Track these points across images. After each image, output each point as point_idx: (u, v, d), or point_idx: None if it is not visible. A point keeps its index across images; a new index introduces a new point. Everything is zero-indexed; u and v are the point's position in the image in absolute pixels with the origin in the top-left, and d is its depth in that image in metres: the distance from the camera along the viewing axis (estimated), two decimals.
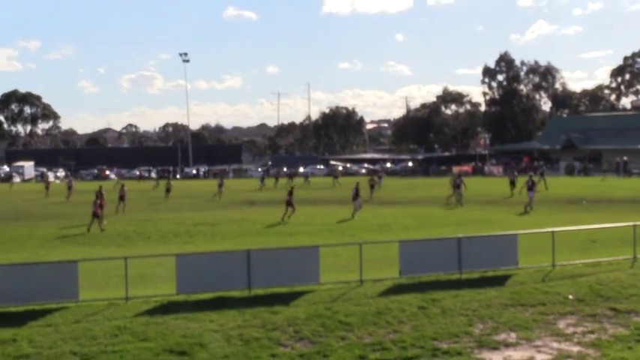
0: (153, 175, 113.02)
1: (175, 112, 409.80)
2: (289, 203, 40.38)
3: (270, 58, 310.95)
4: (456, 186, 47.83)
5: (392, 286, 20.32)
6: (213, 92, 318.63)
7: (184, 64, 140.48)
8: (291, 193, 41.29)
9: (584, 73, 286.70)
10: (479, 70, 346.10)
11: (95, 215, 37.54)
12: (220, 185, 60.83)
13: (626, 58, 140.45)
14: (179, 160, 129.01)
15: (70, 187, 65.64)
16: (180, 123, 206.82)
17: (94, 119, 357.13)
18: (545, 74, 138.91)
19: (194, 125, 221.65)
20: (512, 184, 51.37)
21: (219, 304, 18.71)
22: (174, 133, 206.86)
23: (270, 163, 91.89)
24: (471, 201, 48.87)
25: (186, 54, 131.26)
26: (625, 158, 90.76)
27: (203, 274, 19.64)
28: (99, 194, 40.59)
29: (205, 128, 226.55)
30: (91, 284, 20.41)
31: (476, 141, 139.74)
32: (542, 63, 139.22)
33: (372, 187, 56.20)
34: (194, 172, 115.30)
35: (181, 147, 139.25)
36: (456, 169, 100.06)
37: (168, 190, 59.43)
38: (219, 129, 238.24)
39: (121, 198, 47.53)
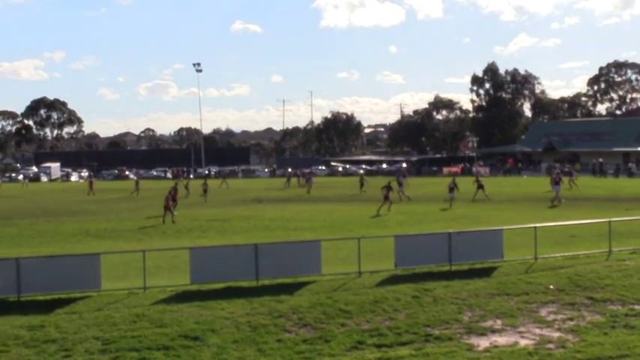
0: (169, 175, 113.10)
1: (189, 117, 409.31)
2: (387, 197, 41.37)
3: (275, 68, 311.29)
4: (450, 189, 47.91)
5: (388, 277, 20.30)
6: (223, 99, 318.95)
7: (197, 74, 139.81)
8: (389, 188, 42.06)
9: (562, 82, 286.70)
10: (466, 79, 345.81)
11: (167, 208, 38.46)
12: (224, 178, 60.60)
13: (601, 68, 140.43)
14: (192, 161, 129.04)
15: (91, 185, 66.75)
16: (193, 127, 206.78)
17: (114, 124, 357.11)
18: (527, 83, 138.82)
19: (206, 129, 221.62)
20: (481, 186, 50.86)
21: (229, 293, 18.71)
22: (187, 136, 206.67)
23: (289, 168, 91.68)
24: (460, 199, 48.77)
25: (199, 64, 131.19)
26: (600, 160, 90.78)
27: (215, 266, 19.66)
28: (173, 189, 42.23)
29: (216, 132, 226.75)
30: (112, 275, 20.39)
31: (465, 143, 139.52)
32: (524, 72, 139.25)
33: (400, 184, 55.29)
34: (206, 172, 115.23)
35: (194, 149, 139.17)
36: (446, 171, 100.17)
37: (186, 187, 58.97)
38: (229, 133, 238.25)
39: (205, 191, 49.81)
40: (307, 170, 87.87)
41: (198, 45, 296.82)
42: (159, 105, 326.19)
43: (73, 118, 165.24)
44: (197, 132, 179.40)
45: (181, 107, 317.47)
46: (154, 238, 31.81)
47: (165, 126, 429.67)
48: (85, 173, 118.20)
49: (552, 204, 43.61)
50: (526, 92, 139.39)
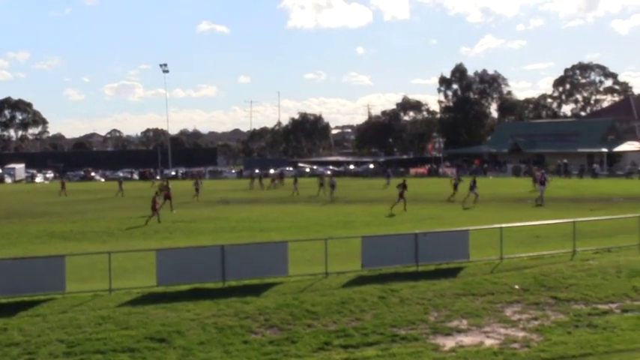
0: (135, 176, 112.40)
1: (155, 118, 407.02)
2: (402, 195, 42.11)
3: (242, 69, 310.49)
4: (455, 186, 48.43)
5: (354, 278, 20.32)
6: (190, 100, 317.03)
7: (164, 74, 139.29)
8: (404, 186, 42.73)
9: (528, 83, 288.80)
10: (433, 80, 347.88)
11: (154, 210, 38.52)
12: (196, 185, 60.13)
13: (566, 70, 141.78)
14: (159, 162, 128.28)
15: (63, 186, 66.61)
16: (160, 128, 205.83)
17: (80, 125, 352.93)
18: (495, 83, 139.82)
19: (173, 130, 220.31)
20: (455, 187, 51.16)
21: (195, 294, 18.63)
22: (154, 137, 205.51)
23: (256, 169, 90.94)
24: (426, 200, 49.07)
25: (165, 65, 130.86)
26: (565, 161, 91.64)
27: (181, 267, 19.57)
28: (164, 188, 44.24)
29: (183, 133, 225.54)
30: (77, 277, 20.21)
31: (432, 144, 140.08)
32: (493, 73, 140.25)
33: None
34: (173, 173, 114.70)
35: (161, 150, 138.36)
36: (413, 171, 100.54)
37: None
38: (196, 134, 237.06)
39: (197, 190, 49.27)
40: (285, 170, 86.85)
41: (165, 45, 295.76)
42: (125, 106, 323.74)
43: (37, 119, 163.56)
44: (164, 133, 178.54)
45: (148, 108, 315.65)
46: (120, 240, 31.59)
47: (132, 127, 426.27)
48: (50, 174, 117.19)
49: (537, 203, 44.15)
50: (494, 94, 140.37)
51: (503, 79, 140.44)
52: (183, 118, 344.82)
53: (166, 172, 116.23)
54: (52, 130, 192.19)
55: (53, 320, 16.45)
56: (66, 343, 14.91)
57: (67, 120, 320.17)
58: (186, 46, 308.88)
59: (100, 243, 30.46)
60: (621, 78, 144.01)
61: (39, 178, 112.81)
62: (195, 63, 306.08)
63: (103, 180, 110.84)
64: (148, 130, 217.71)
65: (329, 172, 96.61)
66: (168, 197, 43.64)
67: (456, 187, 49.99)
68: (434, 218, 37.37)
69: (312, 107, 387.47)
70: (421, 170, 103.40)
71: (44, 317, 16.73)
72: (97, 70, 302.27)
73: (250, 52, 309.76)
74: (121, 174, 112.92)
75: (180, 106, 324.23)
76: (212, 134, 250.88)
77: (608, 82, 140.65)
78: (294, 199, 54.15)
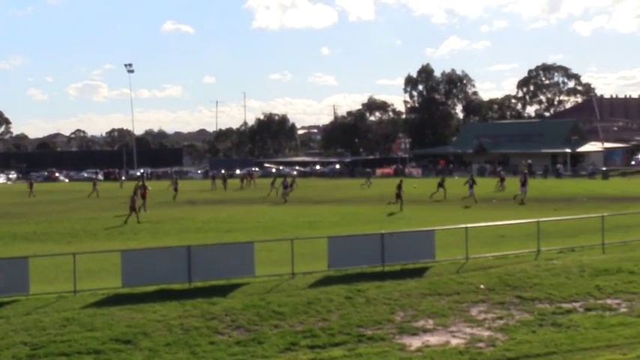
0: (100, 176, 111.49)
1: (120, 118, 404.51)
2: (399, 196, 42.58)
3: (207, 69, 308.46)
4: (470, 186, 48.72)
5: (321, 278, 20.35)
6: (155, 100, 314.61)
7: (128, 74, 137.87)
8: (400, 187, 43.17)
9: (492, 84, 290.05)
10: (398, 81, 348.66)
11: (133, 209, 38.53)
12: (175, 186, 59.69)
13: (530, 71, 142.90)
14: (124, 163, 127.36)
15: (31, 186, 65.88)
16: (125, 128, 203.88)
17: (43, 125, 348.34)
18: (461, 84, 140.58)
19: (138, 130, 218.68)
20: (441, 185, 51.49)
21: (161, 296, 18.54)
22: (119, 137, 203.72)
23: (222, 170, 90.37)
24: (393, 200, 49.15)
25: (130, 64, 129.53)
26: (529, 161, 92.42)
27: (147, 268, 19.47)
28: (141, 187, 44.60)
29: (149, 133, 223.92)
30: (41, 279, 20.02)
31: (397, 145, 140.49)
32: (461, 74, 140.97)
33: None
34: (138, 174, 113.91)
35: (126, 151, 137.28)
36: (379, 172, 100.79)
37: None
38: (161, 134, 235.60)
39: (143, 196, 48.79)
40: (253, 170, 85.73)
41: (129, 45, 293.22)
42: (89, 106, 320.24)
43: (0, 119, 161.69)
44: (129, 133, 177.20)
45: (112, 108, 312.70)
46: (85, 241, 31.34)
47: (96, 127, 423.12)
48: (13, 175, 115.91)
49: (521, 202, 44.85)
50: (460, 95, 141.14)
51: (470, 79, 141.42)
52: (149, 119, 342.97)
53: (132, 172, 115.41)
54: (16, 130, 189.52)
55: (17, 322, 16.28)
56: (30, 346, 14.76)
57: (31, 120, 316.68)
58: (151, 45, 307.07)
59: (64, 244, 30.18)
60: (584, 79, 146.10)
61: (1, 179, 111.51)
62: (161, 63, 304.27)
63: (67, 180, 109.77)
64: (112, 131, 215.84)
65: (295, 173, 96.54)
66: (143, 197, 44.07)
67: (441, 185, 50.59)
68: (401, 218, 37.54)
69: (278, 107, 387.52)
70: (387, 170, 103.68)
71: (7, 319, 16.54)
72: (61, 70, 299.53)
73: (215, 52, 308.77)
74: (85, 174, 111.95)
75: (145, 107, 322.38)
76: (178, 134, 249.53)
77: (571, 84, 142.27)
78: (264, 200, 54.02)
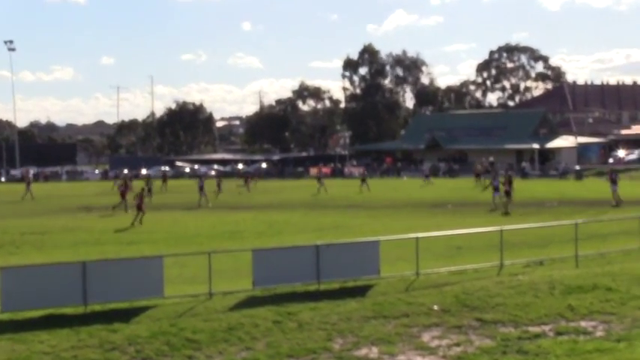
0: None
1: None
2: (139, 207, 41.62)
3: (105, 48, 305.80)
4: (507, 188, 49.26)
5: (244, 299, 20.33)
6: (41, 85, 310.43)
7: (9, 53, 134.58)
8: (141, 196, 42.52)
9: (446, 67, 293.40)
10: (335, 64, 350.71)
11: (140, 208, 40.95)
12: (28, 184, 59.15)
13: (492, 52, 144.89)
14: (4, 161, 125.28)
15: None
16: (5, 119, 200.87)
17: None
18: (411, 68, 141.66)
19: (21, 122, 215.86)
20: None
21: (50, 322, 18.29)
22: None
23: (124, 170, 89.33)
24: (329, 205, 49.39)
25: (11, 42, 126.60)
26: (491, 159, 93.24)
27: (32, 290, 19.13)
28: (122, 185, 49.30)
29: (34, 125, 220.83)
30: None
31: (334, 140, 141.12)
32: (415, 56, 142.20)
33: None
34: (125, 172, 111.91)
35: (6, 146, 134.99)
36: (314, 172, 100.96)
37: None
38: (50, 126, 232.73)
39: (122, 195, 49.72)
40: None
41: (9, 19, 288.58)
42: None
43: None
44: (9, 125, 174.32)
45: None
46: None
47: None
48: None
49: (492, 209, 45.65)
50: (409, 79, 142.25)
51: (423, 62, 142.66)
52: (34, 107, 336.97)
53: (13, 172, 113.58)
54: None
55: None
56: None
57: None
58: (35, 20, 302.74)
59: None
60: (553, 62, 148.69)
61: None
62: (47, 40, 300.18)
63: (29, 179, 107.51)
64: None
65: (213, 173, 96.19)
66: (123, 196, 47.91)
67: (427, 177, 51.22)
68: (338, 227, 37.69)
69: (192, 95, 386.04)
70: (324, 170, 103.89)
71: None
72: None
73: (114, 28, 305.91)
74: None
75: (29, 93, 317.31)
76: (70, 127, 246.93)
77: (539, 67, 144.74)
78: (170, 205, 53.71)
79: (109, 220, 43.29)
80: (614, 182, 46.81)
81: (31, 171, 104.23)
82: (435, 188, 65.50)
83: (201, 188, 54.45)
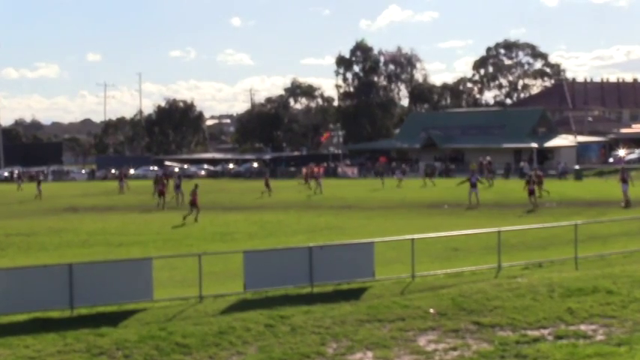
0: None
1: None
2: (194, 203, 42.98)
3: (92, 44, 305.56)
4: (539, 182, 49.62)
5: (236, 303, 20.32)
6: (26, 82, 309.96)
7: None
8: (195, 193, 43.39)
9: (442, 64, 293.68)
10: (327, 60, 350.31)
11: (194, 204, 42.54)
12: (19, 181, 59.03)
13: (488, 49, 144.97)
14: None
15: None
16: None
17: None
18: (406, 64, 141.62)
19: (5, 120, 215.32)
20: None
21: (35, 326, 18.27)
22: None
23: (112, 169, 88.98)
24: (323, 206, 49.38)
25: None
26: (488, 158, 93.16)
27: (17, 293, 19.14)
28: (159, 181, 51.70)
29: (19, 124, 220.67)
30: None
31: (326, 137, 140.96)
32: (410, 52, 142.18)
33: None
34: (5, 174, 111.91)
35: None
36: (305, 171, 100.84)
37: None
38: (35, 125, 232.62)
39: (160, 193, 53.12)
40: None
41: None
42: None
43: None
44: None
45: None
46: None
47: None
48: None
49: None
50: (404, 76, 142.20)
51: (418, 58, 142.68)
52: (18, 105, 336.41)
53: None
54: None
55: None
56: None
57: None
58: (18, 14, 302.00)
59: None
60: (552, 59, 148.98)
61: None
62: (31, 36, 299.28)
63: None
64: None
65: (203, 172, 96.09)
66: (162, 194, 50.63)
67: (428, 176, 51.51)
68: (332, 228, 37.69)
69: (181, 92, 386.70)
70: (316, 169, 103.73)
71: None
72: None
73: (102, 23, 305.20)
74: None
75: (13, 90, 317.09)
76: (56, 125, 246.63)
77: (538, 64, 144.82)
78: (167, 207, 53.65)
79: (98, 221, 43.23)
80: (624, 182, 46.83)
81: (16, 170, 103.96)
82: (432, 188, 65.51)
83: (177, 187, 54.60)
